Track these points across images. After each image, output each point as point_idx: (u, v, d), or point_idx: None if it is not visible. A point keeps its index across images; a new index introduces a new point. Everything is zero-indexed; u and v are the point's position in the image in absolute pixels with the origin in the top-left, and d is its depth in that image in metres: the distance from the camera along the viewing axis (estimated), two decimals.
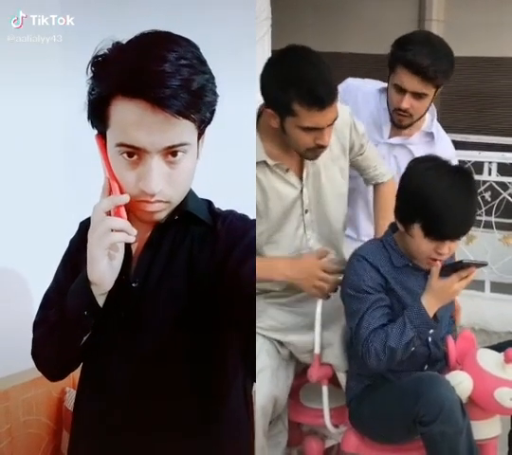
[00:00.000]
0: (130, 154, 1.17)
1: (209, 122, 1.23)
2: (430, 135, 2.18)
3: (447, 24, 4.31)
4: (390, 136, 2.16)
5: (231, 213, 1.32)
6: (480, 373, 1.66)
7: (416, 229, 1.64)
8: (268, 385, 1.83)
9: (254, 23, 2.01)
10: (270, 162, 1.80)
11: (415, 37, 2.05)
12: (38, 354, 1.37)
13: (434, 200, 1.61)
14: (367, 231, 2.21)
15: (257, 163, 1.78)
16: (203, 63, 1.18)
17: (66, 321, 1.25)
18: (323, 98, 1.66)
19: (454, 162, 2.16)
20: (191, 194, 1.28)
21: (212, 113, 1.22)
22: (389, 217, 1.81)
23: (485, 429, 1.71)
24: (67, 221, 1.97)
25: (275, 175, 1.83)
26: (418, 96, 2.02)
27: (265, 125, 1.78)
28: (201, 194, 1.34)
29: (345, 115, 1.86)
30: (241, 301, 1.18)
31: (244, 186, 1.77)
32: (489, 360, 1.69)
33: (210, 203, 1.34)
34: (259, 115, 1.80)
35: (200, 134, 1.23)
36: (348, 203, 2.15)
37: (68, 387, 2.13)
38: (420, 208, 1.62)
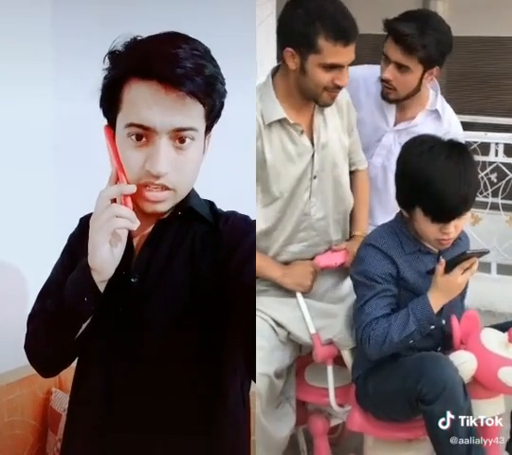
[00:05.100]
0: (138, 137, 1.18)
1: (217, 115, 1.24)
2: (435, 112, 2.15)
3: (451, 3, 4.27)
4: (395, 124, 2.14)
5: (234, 214, 1.33)
6: (484, 353, 1.67)
7: (418, 213, 1.64)
8: (260, 366, 1.81)
9: (254, 25, 2.03)
10: (291, 121, 1.80)
11: (414, 12, 2.04)
12: (32, 347, 1.34)
13: (430, 182, 1.60)
14: (381, 219, 2.15)
15: (271, 123, 1.78)
16: (214, 60, 1.22)
17: (65, 309, 1.23)
18: (348, 31, 1.69)
19: (460, 137, 2.13)
20: (193, 193, 1.30)
21: (221, 105, 1.23)
22: (367, 209, 1.95)
23: (489, 408, 1.71)
24: (58, 219, 1.98)
25: (289, 138, 1.82)
26: (401, 68, 1.99)
27: (280, 85, 1.79)
28: (202, 195, 1.34)
29: (344, 92, 1.87)
30: (241, 302, 1.18)
31: (244, 187, 1.77)
32: (493, 340, 1.69)
33: (212, 203, 1.35)
34: (273, 75, 1.82)
35: (208, 128, 1.24)
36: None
37: (54, 387, 2.12)
38: (418, 191, 1.62)
